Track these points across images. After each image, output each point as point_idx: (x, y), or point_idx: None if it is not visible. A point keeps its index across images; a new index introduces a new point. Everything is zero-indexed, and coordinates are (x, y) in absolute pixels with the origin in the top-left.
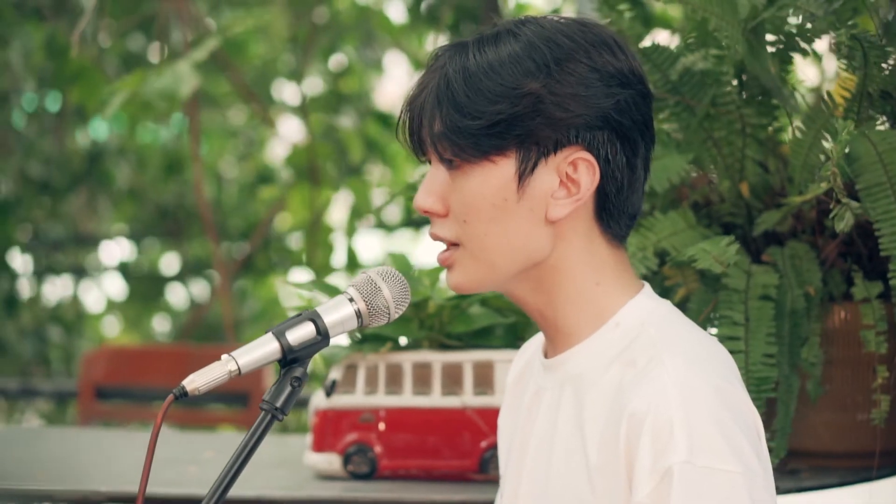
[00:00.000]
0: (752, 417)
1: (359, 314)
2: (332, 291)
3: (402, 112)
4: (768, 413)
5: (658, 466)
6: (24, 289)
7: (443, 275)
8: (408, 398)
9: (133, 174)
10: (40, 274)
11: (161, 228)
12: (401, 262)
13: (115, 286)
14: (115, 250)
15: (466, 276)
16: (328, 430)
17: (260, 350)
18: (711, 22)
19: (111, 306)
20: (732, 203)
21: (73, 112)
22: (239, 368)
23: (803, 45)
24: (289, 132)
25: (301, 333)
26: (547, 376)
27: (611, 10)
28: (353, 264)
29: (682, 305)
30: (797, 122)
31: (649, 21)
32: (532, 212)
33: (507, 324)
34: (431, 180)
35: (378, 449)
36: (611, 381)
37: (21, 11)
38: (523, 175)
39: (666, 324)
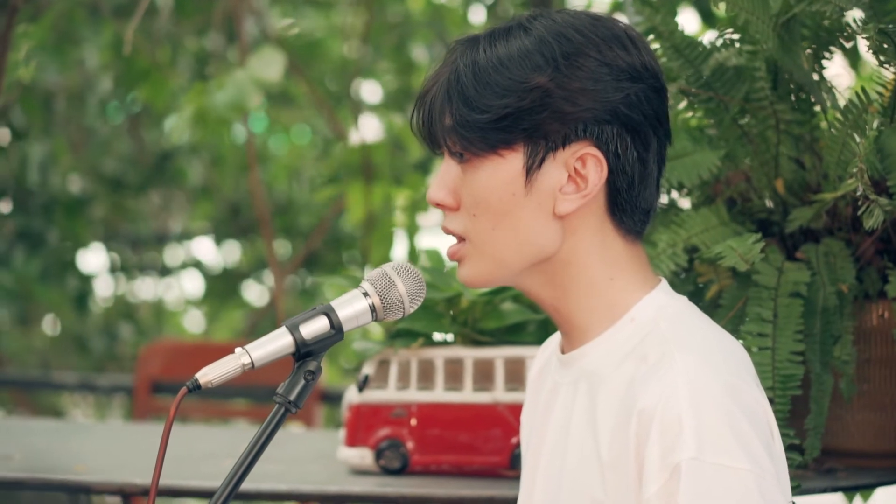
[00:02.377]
0: (765, 415)
1: (373, 308)
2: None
3: (415, 105)
4: (801, 412)
5: (667, 463)
6: (100, 286)
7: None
8: (439, 394)
9: (207, 172)
10: (117, 271)
11: (234, 226)
12: (434, 258)
13: (194, 284)
14: (194, 248)
15: (476, 270)
16: (361, 425)
17: (273, 344)
18: (741, 17)
19: (189, 303)
20: (768, 199)
21: (147, 111)
22: (252, 362)
23: (841, 40)
24: (366, 131)
25: (315, 327)
26: (563, 372)
27: (643, 5)
28: (414, 261)
29: (714, 301)
30: (832, 118)
31: (709, 18)
32: (540, 206)
33: (539, 320)
34: (444, 174)
35: (410, 444)
36: (622, 377)
37: (92, 12)
38: (531, 169)
39: (679, 319)
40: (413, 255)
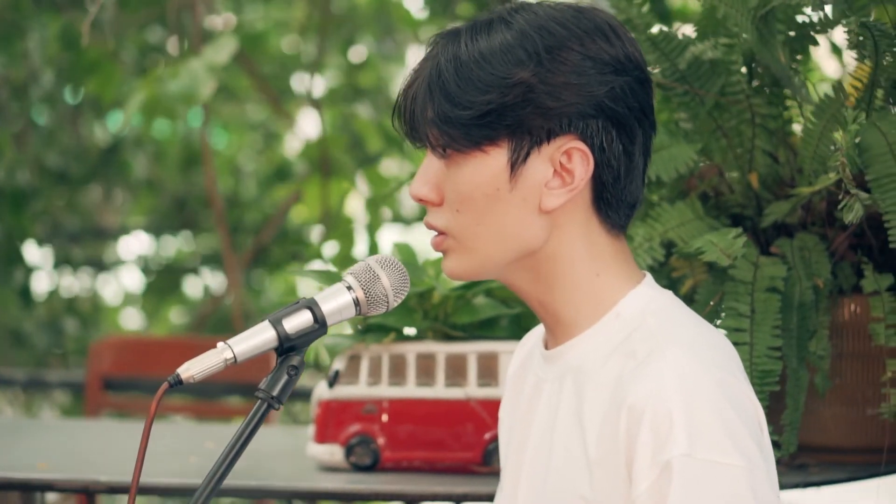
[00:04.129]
0: (755, 410)
1: (357, 302)
2: (328, 278)
3: (397, 100)
4: (776, 407)
5: (658, 459)
6: (41, 281)
7: None
8: (411, 389)
9: (151, 166)
10: (57, 265)
11: (178, 221)
12: (405, 252)
13: (133, 279)
14: (133, 243)
15: (460, 263)
16: (331, 421)
17: (256, 338)
18: (720, 10)
19: (129, 299)
20: (741, 194)
21: (90, 104)
22: (235, 356)
23: (815, 35)
24: (307, 125)
25: (298, 321)
26: (547, 368)
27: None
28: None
29: (689, 297)
30: (808, 113)
31: (666, 16)
32: (525, 201)
33: (512, 315)
34: (426, 169)
35: (381, 440)
36: (610, 373)
37: (38, 2)
38: (515, 165)
39: (666, 314)
40: (374, 251)
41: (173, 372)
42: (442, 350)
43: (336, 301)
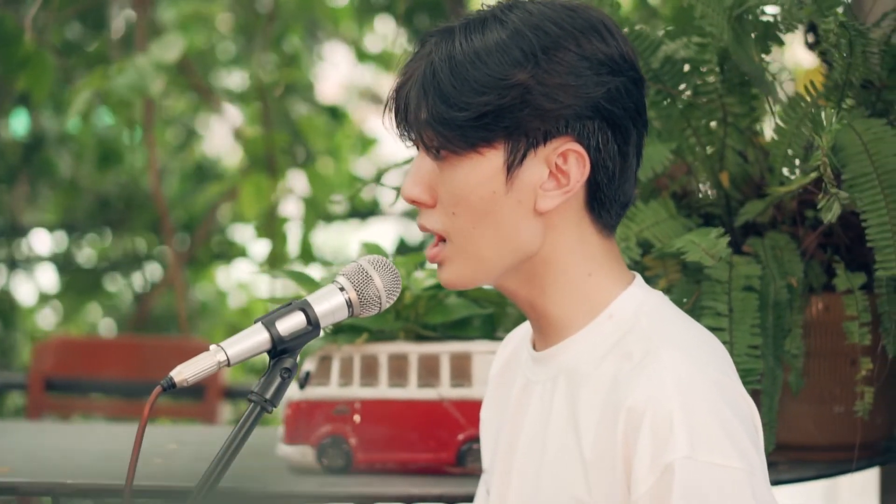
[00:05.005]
0: (749, 410)
1: (350, 304)
2: (301, 279)
3: (388, 99)
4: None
5: (658, 462)
6: None
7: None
8: (384, 390)
9: (74, 165)
10: None
11: (101, 219)
12: (374, 252)
13: (49, 278)
14: (48, 242)
15: (457, 272)
16: (301, 423)
17: (249, 340)
18: (697, 9)
19: (44, 299)
20: (712, 193)
21: (14, 100)
22: (228, 359)
23: (778, 33)
24: (230, 122)
25: (291, 323)
26: (537, 369)
27: None
28: (308, 257)
29: None
30: (779, 112)
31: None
32: (521, 204)
33: (485, 314)
34: (418, 170)
35: (353, 441)
36: (605, 375)
37: None
38: (512, 167)
39: (659, 315)
40: (307, 251)
41: (111, 373)
42: (414, 350)
43: (329, 302)
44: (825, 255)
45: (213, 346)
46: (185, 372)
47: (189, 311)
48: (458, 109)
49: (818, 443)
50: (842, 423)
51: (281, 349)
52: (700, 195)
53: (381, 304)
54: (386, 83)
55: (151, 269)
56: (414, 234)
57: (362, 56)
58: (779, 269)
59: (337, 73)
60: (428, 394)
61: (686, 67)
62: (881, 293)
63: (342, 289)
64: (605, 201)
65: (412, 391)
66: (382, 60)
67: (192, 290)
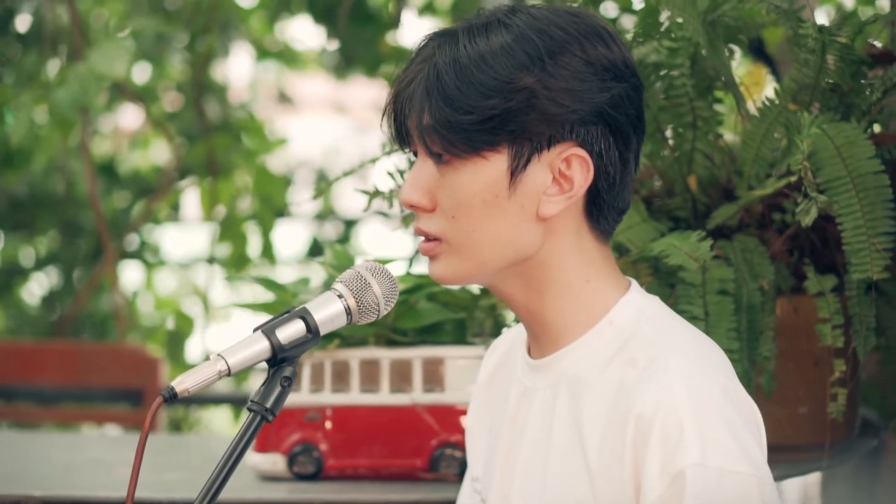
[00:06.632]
0: (754, 415)
1: (348, 311)
2: (270, 286)
3: (387, 102)
4: None
5: (669, 469)
6: None
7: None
8: (355, 396)
9: None
10: None
11: (11, 221)
12: (341, 256)
13: None
14: None
15: (452, 269)
16: (271, 430)
17: (250, 349)
18: (674, 13)
19: None
20: (680, 196)
21: None
22: (229, 368)
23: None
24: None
25: (291, 331)
26: (536, 377)
27: None
28: (270, 258)
29: None
30: (748, 115)
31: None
32: (523, 208)
33: (456, 319)
34: (418, 174)
35: (324, 448)
36: (609, 382)
37: None
38: (515, 171)
39: (660, 321)
40: (269, 251)
41: (51, 377)
42: (386, 356)
43: (328, 310)
44: (791, 258)
45: (213, 356)
46: (187, 382)
47: (102, 315)
48: (463, 113)
49: (781, 444)
50: (804, 424)
51: (281, 358)
52: (670, 199)
53: (379, 310)
54: (291, 82)
55: (69, 272)
56: (327, 235)
57: (263, 53)
58: (750, 272)
59: (243, 73)
60: (400, 399)
61: (663, 72)
62: (852, 295)
63: (340, 296)
64: (603, 207)
65: (384, 397)
66: (284, 58)
67: (104, 293)
